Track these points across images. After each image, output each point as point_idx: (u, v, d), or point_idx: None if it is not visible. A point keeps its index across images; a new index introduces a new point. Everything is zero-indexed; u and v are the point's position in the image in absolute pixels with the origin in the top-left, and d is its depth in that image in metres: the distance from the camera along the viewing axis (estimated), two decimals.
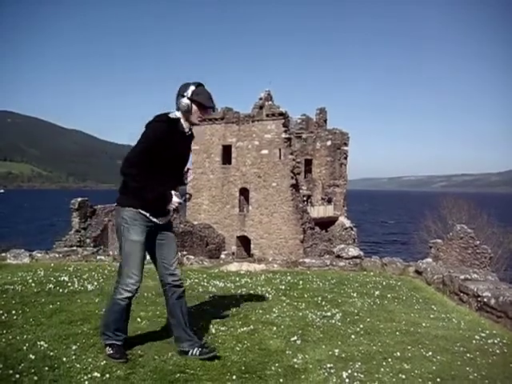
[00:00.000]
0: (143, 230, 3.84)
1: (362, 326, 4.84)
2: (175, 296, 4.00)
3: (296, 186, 34.40)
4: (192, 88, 3.83)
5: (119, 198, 3.92)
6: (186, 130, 3.95)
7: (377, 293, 6.48)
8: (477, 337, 4.61)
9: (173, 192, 3.84)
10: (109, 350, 3.73)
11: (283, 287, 6.61)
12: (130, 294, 3.83)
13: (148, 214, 3.83)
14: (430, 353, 4.08)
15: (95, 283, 6.34)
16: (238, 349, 4.02)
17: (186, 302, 4.09)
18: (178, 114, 3.88)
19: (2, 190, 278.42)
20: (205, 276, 7.24)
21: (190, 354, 3.80)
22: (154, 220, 3.87)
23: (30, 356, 3.57)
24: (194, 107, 3.85)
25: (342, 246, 9.11)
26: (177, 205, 3.85)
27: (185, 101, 3.82)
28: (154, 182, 3.75)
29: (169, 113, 3.87)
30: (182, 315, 3.97)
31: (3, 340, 3.95)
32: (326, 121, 41.66)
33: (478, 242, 22.24)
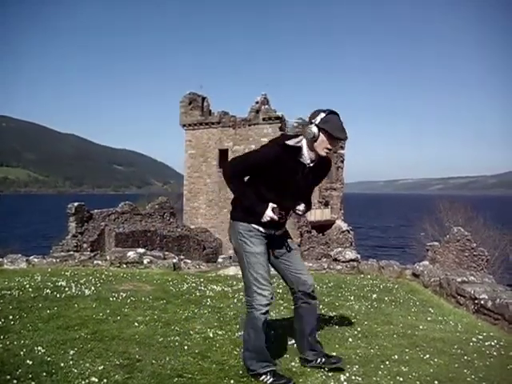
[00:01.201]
0: (261, 241, 3.62)
1: (359, 329, 4.85)
2: (306, 304, 3.79)
3: None
4: (322, 115, 3.45)
5: (232, 211, 3.82)
6: (307, 161, 3.55)
7: (374, 296, 6.49)
8: (474, 339, 4.62)
9: (270, 204, 3.54)
10: (268, 379, 3.44)
11: (280, 291, 6.61)
12: (266, 309, 3.56)
13: (261, 228, 3.62)
14: (428, 355, 4.09)
15: (92, 288, 6.32)
16: (235, 353, 4.02)
17: (315, 312, 3.93)
18: (303, 142, 3.53)
19: None
20: (202, 280, 7.24)
21: (314, 362, 3.69)
22: (269, 232, 3.66)
23: (28, 361, 3.57)
24: (322, 136, 3.43)
25: (339, 249, 9.13)
26: (268, 219, 3.53)
27: (312, 128, 3.43)
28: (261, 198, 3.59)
29: (296, 136, 3.57)
30: (309, 324, 3.79)
31: (0, 345, 3.93)
32: None
33: (474, 245, 22.28)
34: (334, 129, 3.42)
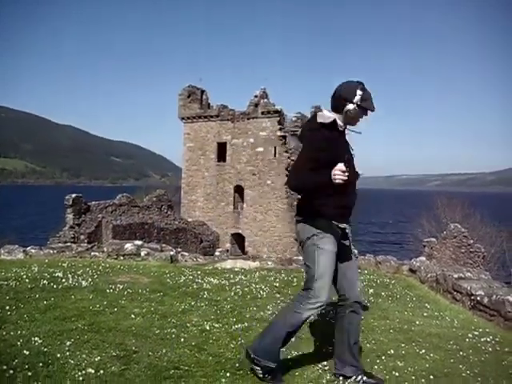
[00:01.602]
0: (335, 240, 3.51)
1: None
2: (354, 314, 3.54)
3: None
4: (359, 93, 3.39)
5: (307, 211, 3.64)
6: (342, 125, 3.49)
7: (371, 291, 6.50)
8: (470, 335, 4.64)
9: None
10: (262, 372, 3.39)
11: (277, 285, 6.62)
12: (313, 312, 3.49)
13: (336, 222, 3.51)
14: (424, 350, 4.11)
15: (89, 279, 6.32)
16: (232, 346, 4.03)
17: (360, 325, 3.66)
18: (332, 115, 3.48)
19: None
20: (199, 273, 7.24)
21: (353, 380, 3.42)
22: (342, 226, 3.57)
23: (24, 352, 3.57)
24: (359, 113, 3.47)
25: None
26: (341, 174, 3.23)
27: (353, 108, 3.40)
28: None
29: (321, 114, 3.49)
30: (353, 336, 3.53)
31: None
32: None
33: (471, 241, 22.32)
34: (371, 105, 3.46)
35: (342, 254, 3.58)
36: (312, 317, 3.62)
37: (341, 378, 3.45)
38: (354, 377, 3.43)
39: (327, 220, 3.49)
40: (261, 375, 3.37)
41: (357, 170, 3.57)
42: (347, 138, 3.60)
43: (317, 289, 3.38)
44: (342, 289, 3.57)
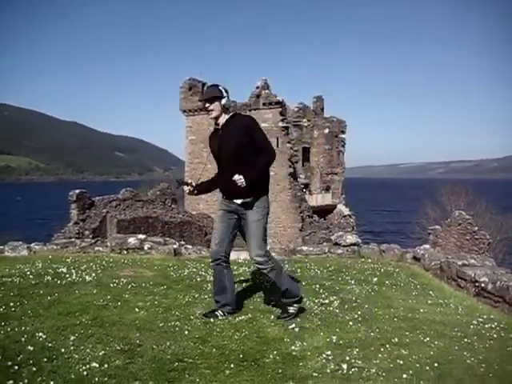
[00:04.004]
0: (224, 208, 4.78)
1: (359, 312, 4.85)
2: (256, 265, 4.72)
3: (294, 175, 34.39)
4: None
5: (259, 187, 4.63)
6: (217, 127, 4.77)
7: (375, 279, 6.49)
8: (474, 322, 4.63)
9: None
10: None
11: None
12: (211, 259, 4.74)
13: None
14: (428, 338, 4.10)
15: (93, 274, 6.33)
16: (236, 337, 4.03)
17: (271, 276, 4.67)
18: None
19: None
20: (203, 265, 7.25)
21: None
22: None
23: (29, 347, 3.58)
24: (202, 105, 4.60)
25: (340, 233, 9.12)
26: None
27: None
28: None
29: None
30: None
31: (2, 332, 3.95)
32: (323, 109, 41.57)
33: (476, 228, 22.27)
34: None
35: (243, 224, 4.64)
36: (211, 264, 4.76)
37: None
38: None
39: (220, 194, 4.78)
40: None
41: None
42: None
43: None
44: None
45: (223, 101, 4.61)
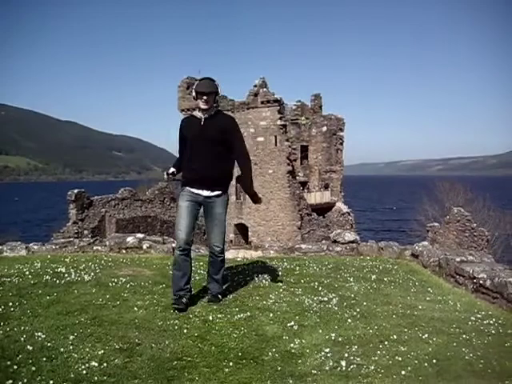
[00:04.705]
0: (187, 198, 5.06)
1: (358, 309, 4.86)
2: (212, 254, 5.16)
3: (292, 173, 34.38)
4: (196, 82, 4.97)
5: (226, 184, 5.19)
6: (198, 116, 5.01)
7: (373, 277, 6.50)
8: (473, 318, 4.63)
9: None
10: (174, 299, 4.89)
11: (280, 273, 6.61)
12: (177, 251, 5.03)
13: None
14: (427, 335, 4.10)
15: (92, 274, 6.33)
16: (235, 335, 4.04)
17: (218, 264, 5.22)
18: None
19: None
20: (201, 264, 7.23)
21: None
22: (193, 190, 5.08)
23: (28, 347, 3.59)
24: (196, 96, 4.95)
25: (339, 231, 9.12)
26: None
27: (192, 93, 4.95)
28: None
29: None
30: (212, 271, 5.26)
31: (1, 332, 3.96)
32: (321, 107, 41.55)
33: (474, 225, 22.33)
34: (197, 86, 4.91)
35: (207, 213, 5.09)
36: (177, 253, 4.97)
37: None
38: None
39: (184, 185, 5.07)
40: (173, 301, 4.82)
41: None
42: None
43: (175, 234, 5.07)
44: (208, 237, 5.21)
45: (217, 97, 5.01)
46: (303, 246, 8.64)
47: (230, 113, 35.23)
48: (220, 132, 4.90)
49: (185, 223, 4.94)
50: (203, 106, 4.91)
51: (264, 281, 6.10)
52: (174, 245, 8.41)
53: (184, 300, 4.80)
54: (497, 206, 33.02)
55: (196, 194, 5.00)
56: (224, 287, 5.31)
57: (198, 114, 5.01)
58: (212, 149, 4.89)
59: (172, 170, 5.24)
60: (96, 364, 3.35)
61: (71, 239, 9.20)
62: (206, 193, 4.99)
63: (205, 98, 4.86)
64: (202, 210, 5.13)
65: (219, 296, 5.14)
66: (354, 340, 3.97)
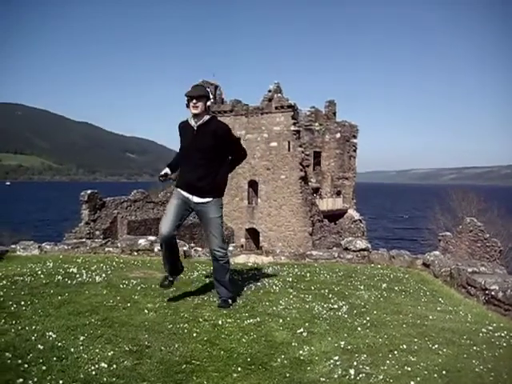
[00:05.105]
0: (178, 198, 5.16)
1: (368, 318, 4.84)
2: (213, 259, 5.21)
3: (305, 179, 34.36)
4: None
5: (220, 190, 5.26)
6: (192, 123, 5.05)
7: (384, 285, 6.48)
8: (484, 330, 4.60)
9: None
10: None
11: (290, 279, 6.62)
12: (160, 241, 5.17)
13: None
14: (437, 345, 4.08)
15: (103, 275, 6.37)
16: (244, 340, 4.04)
17: (221, 267, 5.24)
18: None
19: (9, 183, 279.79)
20: (212, 268, 7.26)
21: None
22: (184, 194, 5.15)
23: (39, 346, 3.62)
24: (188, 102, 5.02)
25: (350, 238, 9.10)
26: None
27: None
28: None
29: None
30: (217, 275, 5.33)
31: (12, 330, 3.99)
32: (335, 113, 41.54)
33: (487, 235, 22.15)
34: (187, 92, 4.97)
35: (201, 219, 5.21)
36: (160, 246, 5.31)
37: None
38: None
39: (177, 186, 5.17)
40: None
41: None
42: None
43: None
44: (207, 244, 5.42)
45: (208, 102, 5.04)
46: (314, 252, 8.63)
47: (243, 117, 35.35)
48: (214, 139, 4.93)
49: (169, 218, 5.02)
50: (193, 111, 4.96)
51: (274, 286, 6.10)
52: (185, 248, 8.45)
53: (170, 280, 5.32)
54: (510, 217, 32.69)
55: (187, 197, 5.08)
56: (230, 294, 5.28)
57: (191, 121, 5.06)
58: (204, 157, 4.95)
59: (164, 171, 5.23)
60: (105, 365, 3.36)
61: (83, 240, 9.27)
62: (196, 199, 5.07)
63: (194, 101, 4.92)
64: (193, 213, 5.27)
65: (229, 301, 5.14)
66: (363, 348, 3.95)
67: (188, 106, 4.99)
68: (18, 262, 7.11)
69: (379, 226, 76.77)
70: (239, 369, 3.43)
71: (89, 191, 25.21)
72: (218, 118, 5.24)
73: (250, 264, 7.82)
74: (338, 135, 39.47)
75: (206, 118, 5.02)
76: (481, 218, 26.45)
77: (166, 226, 4.98)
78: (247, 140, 35.42)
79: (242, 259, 8.11)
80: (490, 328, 4.66)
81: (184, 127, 5.16)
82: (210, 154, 4.95)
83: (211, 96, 5.07)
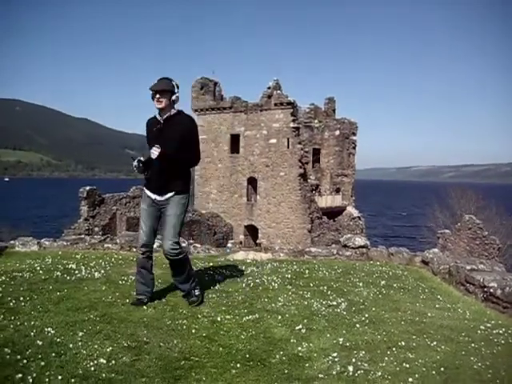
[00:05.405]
0: (147, 202, 5.16)
1: (367, 315, 4.85)
2: (166, 256, 5.02)
3: (304, 176, 34.35)
4: None
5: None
6: (159, 118, 4.95)
7: (383, 282, 6.48)
8: (482, 327, 4.61)
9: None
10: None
11: (289, 276, 6.62)
12: (139, 251, 5.20)
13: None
14: (435, 342, 4.09)
15: (102, 271, 6.37)
16: (242, 337, 4.05)
17: (176, 264, 5.10)
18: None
19: (7, 179, 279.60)
20: (211, 265, 7.27)
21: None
22: (149, 194, 5.11)
23: (38, 342, 3.62)
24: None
25: (349, 235, 9.10)
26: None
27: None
28: None
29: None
30: (172, 271, 5.22)
31: (11, 326, 4.00)
32: (334, 110, 41.52)
33: (486, 233, 22.15)
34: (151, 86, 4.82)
35: (165, 216, 5.02)
36: (140, 255, 5.14)
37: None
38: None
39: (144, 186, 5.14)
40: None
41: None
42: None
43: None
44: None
45: (173, 96, 4.87)
46: (313, 249, 8.64)
47: (243, 114, 35.31)
48: (179, 134, 4.82)
49: (144, 226, 5.06)
50: (157, 106, 4.84)
51: (273, 283, 6.11)
52: (184, 245, 8.44)
53: (142, 298, 4.98)
54: (509, 215, 32.73)
55: (150, 197, 5.05)
56: (192, 285, 5.12)
57: (158, 116, 4.95)
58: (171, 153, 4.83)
59: (138, 158, 4.96)
60: (104, 361, 3.37)
61: (82, 236, 9.27)
62: (158, 197, 4.99)
63: (157, 96, 4.79)
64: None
65: (193, 292, 5.08)
66: (361, 345, 3.96)
67: (153, 99, 4.85)
68: (16, 258, 7.10)
69: (378, 223, 76.80)
70: (238, 365, 3.44)
71: (88, 187, 25.19)
72: (186, 113, 5.06)
73: (248, 261, 7.83)
74: (338, 132, 39.44)
75: (173, 112, 4.89)
76: (479, 216, 26.46)
77: (143, 234, 5.06)
78: (246, 137, 35.41)
79: (241, 256, 8.12)
80: (489, 325, 4.67)
81: (152, 123, 5.02)
82: (173, 150, 4.78)
83: (176, 89, 4.87)
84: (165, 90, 4.80)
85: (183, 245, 5.08)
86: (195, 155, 5.01)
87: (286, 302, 5.20)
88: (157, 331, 4.08)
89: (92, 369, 3.25)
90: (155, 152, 4.71)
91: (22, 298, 4.81)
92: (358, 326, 4.49)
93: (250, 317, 4.61)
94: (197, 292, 5.08)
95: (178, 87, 4.89)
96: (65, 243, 8.44)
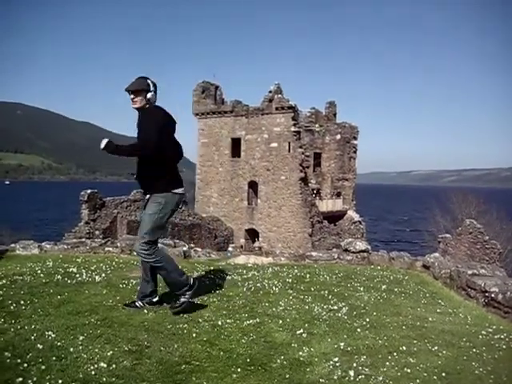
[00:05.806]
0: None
1: (368, 319, 4.84)
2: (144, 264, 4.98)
3: (305, 180, 34.36)
4: None
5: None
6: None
7: (384, 287, 6.47)
8: (483, 332, 4.59)
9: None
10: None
11: (290, 280, 6.61)
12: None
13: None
14: (436, 347, 4.08)
15: (103, 274, 6.37)
16: (243, 341, 4.04)
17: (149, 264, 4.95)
18: None
19: (8, 182, 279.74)
20: (212, 268, 7.26)
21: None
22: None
23: (38, 346, 3.62)
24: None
25: (350, 239, 9.09)
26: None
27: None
28: None
29: None
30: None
31: (12, 330, 3.99)
32: (335, 114, 41.57)
33: (487, 238, 22.14)
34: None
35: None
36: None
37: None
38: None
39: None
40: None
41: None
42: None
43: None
44: None
45: (149, 95, 4.74)
46: (314, 253, 8.63)
47: (243, 118, 35.34)
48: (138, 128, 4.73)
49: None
50: (132, 106, 4.75)
51: (274, 287, 6.10)
52: (185, 248, 8.44)
53: (138, 303, 4.96)
54: (509, 219, 32.71)
55: (145, 197, 5.07)
56: (180, 291, 4.87)
57: None
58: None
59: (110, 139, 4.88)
60: (105, 365, 3.36)
61: (83, 239, 9.27)
62: (146, 197, 5.01)
63: (132, 96, 4.72)
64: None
65: (179, 298, 4.83)
66: (362, 350, 3.95)
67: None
68: (17, 262, 7.10)
69: (379, 227, 76.78)
70: (239, 369, 3.43)
71: (89, 191, 25.20)
72: (165, 109, 4.87)
73: (249, 265, 7.82)
74: (338, 136, 39.47)
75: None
76: (480, 220, 26.47)
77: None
78: (247, 141, 35.43)
79: (242, 260, 8.11)
80: (490, 330, 4.66)
81: None
82: (137, 147, 4.72)
83: (152, 88, 4.73)
84: (138, 89, 4.70)
85: (173, 248, 4.97)
86: (142, 144, 4.64)
87: (287, 307, 5.19)
88: (157, 335, 4.07)
89: (92, 373, 3.24)
90: (102, 143, 4.61)
91: (22, 302, 4.81)
92: (359, 330, 4.48)
93: (251, 321, 4.60)
94: (182, 299, 4.79)
95: (154, 85, 4.76)
96: (65, 246, 8.43)
